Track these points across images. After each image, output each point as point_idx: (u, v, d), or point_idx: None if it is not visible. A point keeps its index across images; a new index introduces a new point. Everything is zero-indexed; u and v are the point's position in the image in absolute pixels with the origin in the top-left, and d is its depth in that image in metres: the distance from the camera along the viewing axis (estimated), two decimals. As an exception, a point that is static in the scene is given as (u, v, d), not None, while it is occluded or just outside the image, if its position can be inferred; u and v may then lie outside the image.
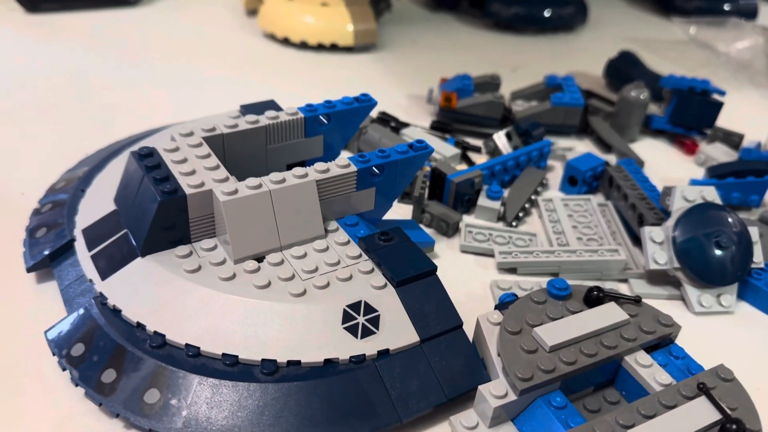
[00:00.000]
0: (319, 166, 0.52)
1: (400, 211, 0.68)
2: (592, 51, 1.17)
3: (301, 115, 0.59)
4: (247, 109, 0.62)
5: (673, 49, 1.21)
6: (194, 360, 0.44)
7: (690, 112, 0.85)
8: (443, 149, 0.76)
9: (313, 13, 1.06)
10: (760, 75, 1.11)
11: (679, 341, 0.54)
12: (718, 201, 0.62)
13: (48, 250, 0.54)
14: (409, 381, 0.45)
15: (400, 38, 1.16)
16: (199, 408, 0.42)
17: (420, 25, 1.24)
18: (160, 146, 0.52)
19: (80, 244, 0.53)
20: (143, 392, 0.43)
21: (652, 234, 0.59)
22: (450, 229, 0.65)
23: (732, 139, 0.85)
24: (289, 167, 0.60)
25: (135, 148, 0.58)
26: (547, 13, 1.21)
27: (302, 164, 0.61)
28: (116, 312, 0.47)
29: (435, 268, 0.50)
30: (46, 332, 0.48)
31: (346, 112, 0.61)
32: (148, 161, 0.50)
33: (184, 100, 0.88)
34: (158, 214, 0.47)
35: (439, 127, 0.84)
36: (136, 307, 0.47)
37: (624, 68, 0.98)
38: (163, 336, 0.45)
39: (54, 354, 0.46)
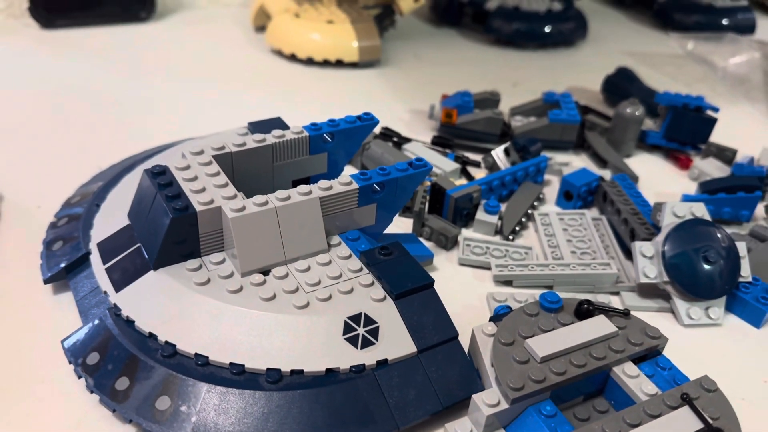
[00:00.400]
0: (323, 183, 0.55)
1: (401, 225, 0.70)
2: (591, 66, 1.20)
3: (305, 133, 0.61)
4: (254, 126, 0.65)
5: (671, 64, 1.23)
6: (203, 369, 0.46)
7: (684, 128, 0.87)
8: (443, 164, 0.79)
9: (319, 30, 1.09)
10: (757, 90, 1.14)
11: (669, 352, 0.56)
12: (707, 217, 0.64)
13: (64, 263, 0.56)
14: (407, 390, 0.48)
15: (403, 53, 1.19)
16: (207, 414, 0.44)
17: (423, 41, 1.27)
18: (172, 164, 0.54)
19: (95, 257, 0.55)
20: (155, 399, 0.45)
21: (643, 249, 0.61)
22: (449, 243, 0.67)
23: (725, 155, 0.87)
24: (295, 183, 0.63)
25: (147, 165, 0.61)
26: (547, 29, 1.24)
27: (307, 180, 0.64)
28: (129, 323, 0.50)
29: (432, 281, 0.52)
30: (62, 341, 0.51)
31: (349, 130, 0.64)
32: (161, 179, 0.53)
33: (195, 116, 0.91)
34: (170, 230, 0.50)
35: (440, 142, 0.86)
36: (149, 318, 0.49)
37: (621, 84, 1.00)
38: (174, 346, 0.47)
39: (70, 362, 0.49)
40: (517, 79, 1.12)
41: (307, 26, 1.09)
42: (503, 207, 0.74)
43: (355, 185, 0.56)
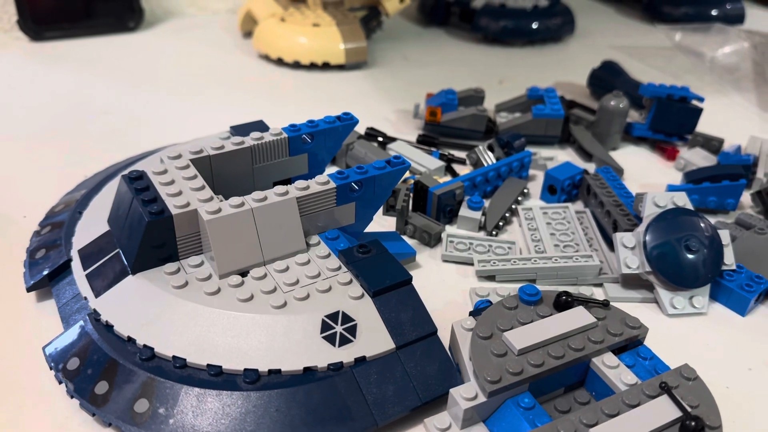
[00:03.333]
0: (300, 183, 0.55)
1: (384, 224, 0.70)
2: (579, 61, 1.20)
3: (284, 135, 0.62)
4: (236, 130, 0.65)
5: (659, 57, 1.23)
6: (181, 371, 0.47)
7: (670, 119, 0.87)
8: (428, 162, 0.79)
9: (306, 33, 1.09)
10: (746, 79, 1.13)
11: (653, 343, 0.56)
12: (689, 206, 0.64)
13: (47, 271, 0.57)
14: (385, 386, 0.48)
15: (391, 54, 1.20)
16: (185, 416, 0.45)
17: (411, 41, 1.27)
18: (149, 169, 0.55)
19: (76, 264, 0.56)
20: (133, 402, 0.45)
21: (624, 239, 0.61)
22: (432, 240, 0.67)
23: (712, 144, 0.87)
24: (276, 185, 0.63)
25: (127, 171, 0.61)
26: (534, 26, 1.24)
27: (288, 182, 0.64)
28: (109, 327, 0.50)
29: (410, 278, 0.52)
30: (44, 348, 0.51)
31: (328, 130, 0.64)
32: (138, 184, 0.53)
33: (183, 122, 0.91)
34: (146, 234, 0.50)
35: (425, 141, 0.86)
36: (128, 322, 0.49)
37: (606, 78, 1.00)
38: (152, 349, 0.48)
39: (51, 368, 0.49)
40: (504, 77, 1.12)
41: (293, 30, 1.09)
42: (486, 203, 0.74)
43: (332, 184, 0.56)
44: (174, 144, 0.78)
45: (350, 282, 0.52)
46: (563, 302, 0.52)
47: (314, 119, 0.64)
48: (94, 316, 0.51)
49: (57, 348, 0.50)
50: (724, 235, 0.63)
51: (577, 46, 1.29)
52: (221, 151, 0.58)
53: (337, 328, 0.49)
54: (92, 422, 0.47)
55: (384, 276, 0.52)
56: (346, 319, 0.50)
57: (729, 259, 0.62)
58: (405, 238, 0.68)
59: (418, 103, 0.91)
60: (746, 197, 0.78)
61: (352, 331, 0.49)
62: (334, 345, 0.48)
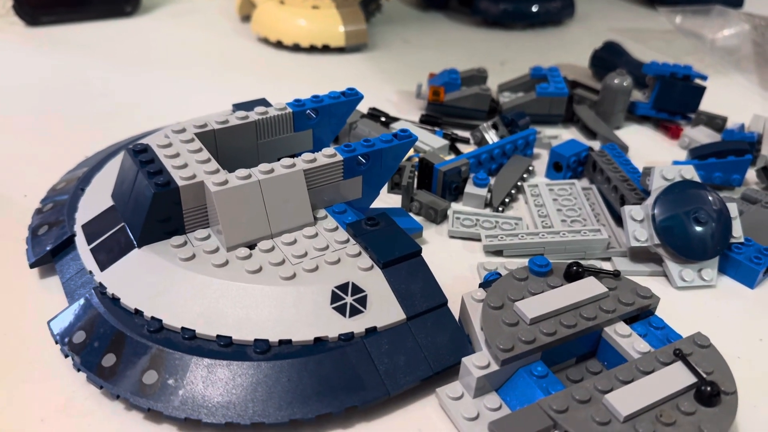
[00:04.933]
0: (307, 156, 0.54)
1: (390, 201, 0.70)
2: (579, 43, 1.19)
3: (289, 110, 0.61)
4: (238, 108, 0.65)
5: (660, 39, 1.23)
6: (190, 342, 0.46)
7: (673, 98, 0.87)
8: (432, 141, 0.78)
9: (305, 15, 1.08)
10: (747, 60, 1.13)
11: (663, 315, 0.55)
12: (697, 179, 0.63)
13: (50, 246, 0.56)
14: (397, 356, 0.47)
15: (391, 38, 1.19)
16: (195, 387, 0.44)
17: (411, 25, 1.26)
18: (154, 142, 0.54)
19: (80, 239, 0.55)
20: (142, 374, 0.45)
21: (632, 212, 0.61)
22: (438, 216, 0.67)
23: (716, 123, 0.87)
24: (281, 161, 0.62)
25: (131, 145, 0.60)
26: (534, 8, 1.24)
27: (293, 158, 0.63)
28: (115, 300, 0.49)
29: (419, 249, 0.52)
30: (49, 322, 0.50)
31: (333, 106, 0.63)
32: (142, 156, 0.52)
33: (181, 105, 0.90)
34: (153, 206, 0.49)
35: (428, 120, 0.86)
36: (134, 295, 0.49)
37: (608, 58, 1.00)
38: (160, 321, 0.47)
39: (57, 342, 0.48)
40: (505, 59, 1.11)
41: (293, 12, 1.08)
42: (492, 180, 0.73)
43: (339, 157, 0.55)
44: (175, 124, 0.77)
45: (359, 254, 0.52)
46: (574, 273, 0.52)
47: (319, 95, 0.63)
48: (100, 289, 0.50)
49: (62, 322, 0.49)
50: (732, 208, 0.62)
51: (578, 30, 1.28)
52: (226, 126, 0.58)
53: (347, 299, 0.48)
54: (99, 395, 0.46)
55: (393, 247, 0.52)
56: (356, 290, 0.49)
57: (737, 232, 0.62)
58: (411, 215, 0.67)
59: (420, 83, 0.91)
60: (751, 175, 0.78)
61: (363, 302, 0.49)
62: (344, 316, 0.48)
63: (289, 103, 0.62)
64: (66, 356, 0.48)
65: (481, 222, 0.66)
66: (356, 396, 0.45)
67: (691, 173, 0.64)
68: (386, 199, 0.70)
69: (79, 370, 0.47)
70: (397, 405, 0.47)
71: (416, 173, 0.70)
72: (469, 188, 0.69)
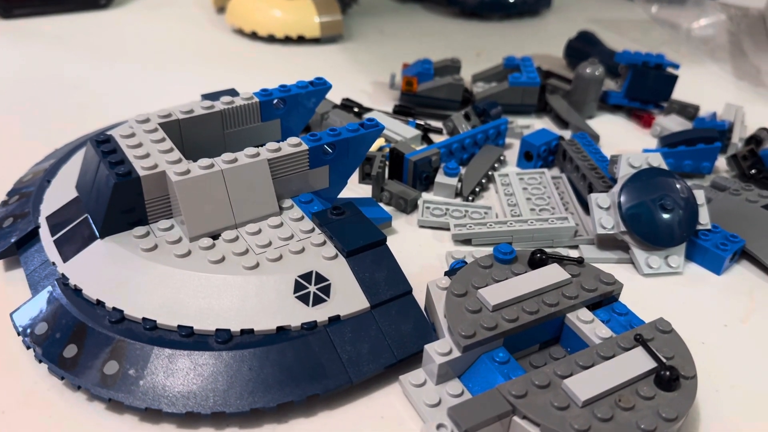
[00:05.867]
0: (271, 145, 0.54)
1: (360, 191, 0.70)
2: (556, 34, 1.19)
3: (256, 99, 0.61)
4: (206, 98, 0.64)
5: (636, 30, 1.23)
6: (151, 333, 0.46)
7: (645, 87, 0.87)
8: (404, 132, 0.78)
9: (280, 6, 1.08)
10: (721, 50, 1.14)
11: (629, 302, 0.56)
12: (664, 166, 0.64)
13: (14, 238, 0.55)
14: (360, 344, 0.47)
15: (367, 29, 1.19)
16: (156, 377, 0.44)
17: (387, 16, 1.26)
18: (117, 133, 0.54)
19: (44, 231, 0.55)
20: (103, 365, 0.45)
21: (599, 200, 0.61)
22: (408, 206, 0.67)
23: (688, 111, 0.87)
24: (248, 151, 0.62)
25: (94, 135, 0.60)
26: (511, -1, 1.24)
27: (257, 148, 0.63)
28: (77, 291, 0.49)
29: (384, 237, 0.52)
30: (11, 314, 0.50)
31: (301, 95, 0.63)
32: (105, 147, 0.52)
33: (154, 96, 0.89)
34: (114, 196, 0.49)
35: (401, 111, 0.86)
36: (96, 285, 0.48)
37: (582, 48, 1.00)
38: (122, 312, 0.47)
39: (19, 334, 0.48)
40: (481, 49, 1.11)
41: (267, 3, 1.08)
42: (463, 170, 0.73)
43: (304, 146, 0.55)
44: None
45: (324, 243, 0.51)
46: (538, 260, 0.52)
47: (287, 84, 0.63)
48: (63, 280, 0.50)
49: (25, 314, 0.49)
50: (699, 195, 0.63)
51: (554, 20, 1.29)
52: (191, 115, 0.57)
53: (311, 288, 0.48)
54: (61, 386, 0.46)
55: (358, 236, 0.51)
56: (320, 279, 0.49)
57: (704, 219, 0.62)
58: (381, 204, 0.67)
59: (394, 73, 0.90)
60: (721, 163, 0.79)
61: (326, 290, 0.49)
62: (307, 305, 0.47)
63: (256, 93, 0.61)
64: (28, 348, 0.47)
65: (450, 211, 0.66)
66: (318, 384, 0.45)
67: (658, 161, 0.64)
68: (357, 189, 0.70)
69: (40, 361, 0.46)
70: (361, 393, 0.47)
71: (387, 163, 0.70)
72: (440, 178, 0.69)
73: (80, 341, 0.46)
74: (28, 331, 0.48)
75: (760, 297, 0.59)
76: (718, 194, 0.68)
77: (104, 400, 0.44)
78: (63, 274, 0.50)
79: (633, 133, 0.86)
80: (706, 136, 0.75)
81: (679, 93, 0.92)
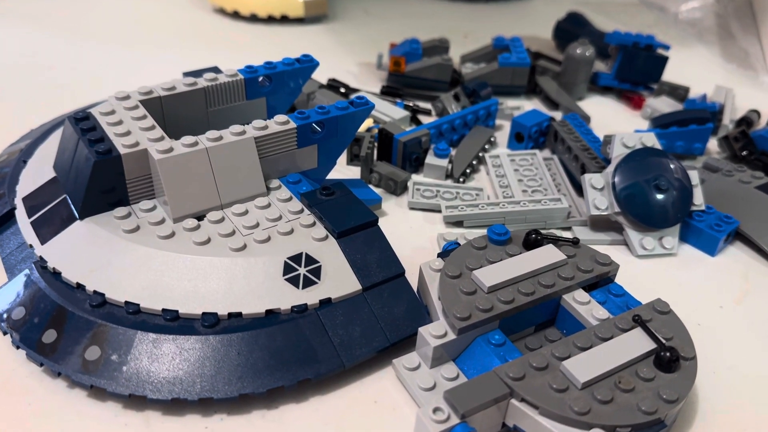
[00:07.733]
0: (258, 123, 0.52)
1: (349, 173, 0.68)
2: (544, 17, 1.18)
3: (240, 76, 0.59)
4: (188, 76, 0.62)
5: (624, 12, 1.22)
6: (134, 317, 0.44)
7: (636, 68, 0.86)
8: (393, 112, 0.76)
9: (263, -15, 1.05)
10: (709, 32, 1.13)
11: (624, 284, 0.55)
12: (658, 146, 0.63)
13: (-12, 221, 0.53)
14: (352, 328, 0.46)
15: (352, 9, 1.16)
16: (140, 363, 0.42)
17: (373, -3, 1.24)
18: (96, 110, 0.51)
19: (20, 212, 0.52)
20: (84, 350, 0.43)
21: (592, 180, 0.60)
22: (398, 188, 0.65)
23: (678, 93, 0.87)
24: (233, 131, 0.60)
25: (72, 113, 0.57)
26: (498, -20, 1.22)
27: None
28: (56, 274, 0.47)
29: (376, 218, 0.50)
30: (-14, 299, 0.48)
31: (287, 73, 0.61)
32: (83, 124, 0.50)
33: (133, 76, 0.87)
34: (93, 175, 0.47)
35: (389, 92, 0.84)
36: (76, 268, 0.46)
37: (571, 29, 0.99)
38: (103, 295, 0.45)
39: (-6, 320, 0.46)
40: (468, 31, 1.10)
41: (250, -19, 1.05)
42: (453, 151, 0.72)
43: (292, 124, 0.53)
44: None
45: (313, 224, 0.50)
46: (533, 240, 0.51)
47: (272, 61, 0.61)
48: (41, 263, 0.48)
49: (1, 298, 0.47)
50: (693, 176, 0.62)
51: (543, 2, 1.27)
52: (173, 92, 0.55)
53: (301, 270, 0.47)
54: (40, 373, 0.44)
55: (349, 217, 0.50)
56: (310, 260, 0.47)
57: (698, 200, 0.61)
58: (370, 186, 0.66)
59: (381, 53, 0.89)
60: (713, 144, 0.78)
61: (317, 272, 0.47)
62: (297, 287, 0.46)
63: (241, 70, 0.59)
64: (5, 333, 0.45)
65: (441, 193, 0.64)
66: (310, 369, 0.43)
67: (652, 140, 0.63)
68: (345, 171, 0.68)
69: (18, 347, 0.44)
70: (353, 377, 0.46)
71: (376, 144, 0.69)
72: (430, 159, 0.68)
73: (60, 326, 0.44)
74: (5, 316, 0.46)
75: (754, 278, 0.59)
76: (711, 175, 0.67)
77: (86, 387, 0.42)
78: (41, 257, 0.48)
79: (623, 115, 0.85)
80: (698, 117, 0.74)
81: (668, 75, 0.91)
